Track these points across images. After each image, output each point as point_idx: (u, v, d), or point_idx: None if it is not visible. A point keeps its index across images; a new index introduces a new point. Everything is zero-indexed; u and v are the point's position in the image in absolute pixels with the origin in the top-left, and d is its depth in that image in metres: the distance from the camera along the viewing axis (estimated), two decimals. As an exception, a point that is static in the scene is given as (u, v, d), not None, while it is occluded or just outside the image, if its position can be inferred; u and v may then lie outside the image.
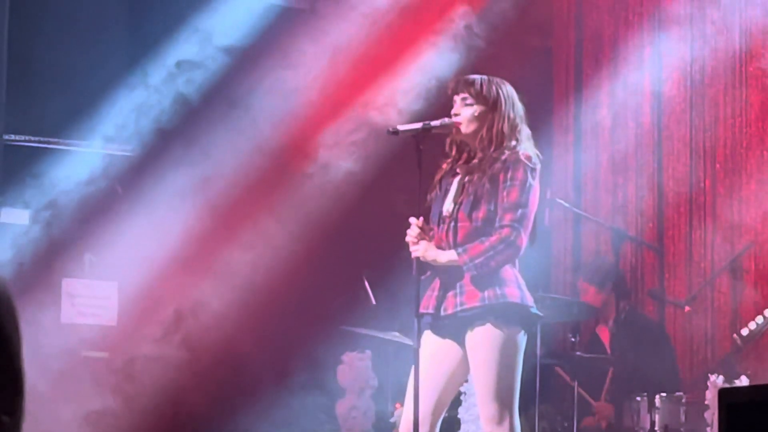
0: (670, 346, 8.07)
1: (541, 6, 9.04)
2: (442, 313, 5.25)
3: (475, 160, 5.32)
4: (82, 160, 8.05)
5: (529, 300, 5.24)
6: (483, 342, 5.17)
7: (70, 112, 7.96)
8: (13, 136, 7.96)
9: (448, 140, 5.44)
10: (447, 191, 5.35)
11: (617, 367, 7.73)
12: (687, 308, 7.80)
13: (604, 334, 8.06)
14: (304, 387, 8.20)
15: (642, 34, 8.72)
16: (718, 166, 8.27)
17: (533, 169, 5.25)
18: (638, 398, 7.12)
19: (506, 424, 5.17)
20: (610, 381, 7.86)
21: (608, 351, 7.94)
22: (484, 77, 5.37)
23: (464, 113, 5.31)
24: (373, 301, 7.71)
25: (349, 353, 8.17)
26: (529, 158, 5.25)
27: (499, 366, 5.14)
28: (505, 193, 5.21)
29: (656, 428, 6.99)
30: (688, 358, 8.24)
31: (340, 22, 8.34)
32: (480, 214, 5.22)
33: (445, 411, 5.41)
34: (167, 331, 7.95)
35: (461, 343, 5.26)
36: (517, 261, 5.27)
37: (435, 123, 5.34)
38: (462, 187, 5.31)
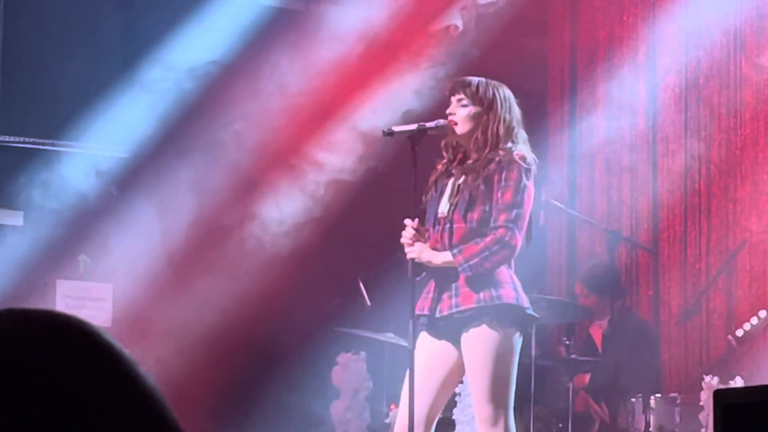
0: (656, 348, 8.09)
1: (536, 7, 9.04)
2: (438, 314, 5.25)
3: (470, 161, 5.32)
4: (75, 162, 8.04)
5: (525, 301, 5.24)
6: (478, 343, 5.17)
7: (64, 114, 7.95)
8: (6, 138, 7.95)
9: (443, 142, 5.44)
10: (442, 192, 5.35)
11: (607, 368, 7.74)
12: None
13: (597, 335, 8.06)
14: (298, 388, 8.19)
15: (637, 36, 8.72)
16: (712, 167, 8.28)
17: (528, 170, 5.25)
18: (633, 399, 7.13)
19: (501, 425, 5.17)
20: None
21: (600, 352, 7.94)
22: (482, 79, 5.37)
23: (459, 113, 5.31)
24: (368, 303, 7.70)
25: (344, 354, 8.16)
26: (523, 158, 5.25)
27: (495, 367, 5.14)
28: (499, 194, 5.21)
29: (651, 429, 6.99)
30: (683, 360, 8.25)
31: (335, 24, 8.34)
32: (475, 215, 5.22)
33: (440, 412, 5.41)
34: (162, 332, 7.94)
35: (457, 345, 5.26)
36: (513, 262, 5.27)
37: (430, 124, 5.34)
38: (457, 189, 5.31)
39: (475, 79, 5.37)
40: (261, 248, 8.21)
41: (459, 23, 8.18)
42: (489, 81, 5.38)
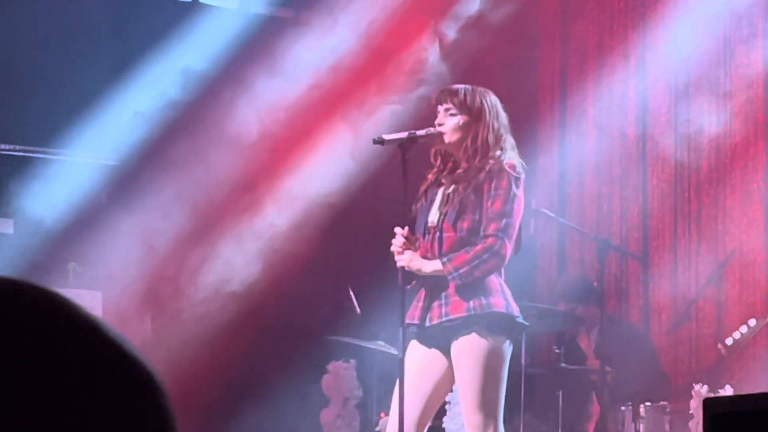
0: (653, 352, 8.09)
1: (527, 16, 9.05)
2: (428, 323, 5.25)
3: (460, 171, 5.32)
4: (66, 170, 8.03)
5: (515, 309, 5.24)
6: (468, 351, 5.17)
7: (55, 122, 7.94)
8: (-3, 145, 7.94)
9: (432, 150, 5.45)
10: (432, 201, 5.36)
11: (602, 376, 7.74)
12: None
13: (585, 343, 8.07)
14: (288, 396, 8.19)
15: (627, 44, 8.74)
16: (702, 176, 8.29)
17: (517, 179, 5.26)
18: (623, 407, 7.12)
19: (491, 433, 5.17)
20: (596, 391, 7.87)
21: (589, 361, 7.94)
22: (468, 87, 5.38)
23: (448, 123, 5.32)
24: (358, 311, 7.70)
25: (334, 363, 8.16)
26: (513, 167, 5.26)
27: (484, 375, 5.14)
28: (489, 203, 5.22)
29: (640, 437, 6.99)
30: (672, 368, 8.25)
31: (326, 33, 8.34)
32: (465, 224, 5.23)
33: (430, 421, 5.41)
34: (151, 341, 7.93)
35: (446, 353, 5.26)
36: (503, 270, 5.28)
37: (420, 132, 5.35)
38: (447, 198, 5.31)
39: (461, 88, 5.37)
40: (251, 257, 8.20)
41: (433, 50, 8.18)
42: (475, 88, 5.38)
